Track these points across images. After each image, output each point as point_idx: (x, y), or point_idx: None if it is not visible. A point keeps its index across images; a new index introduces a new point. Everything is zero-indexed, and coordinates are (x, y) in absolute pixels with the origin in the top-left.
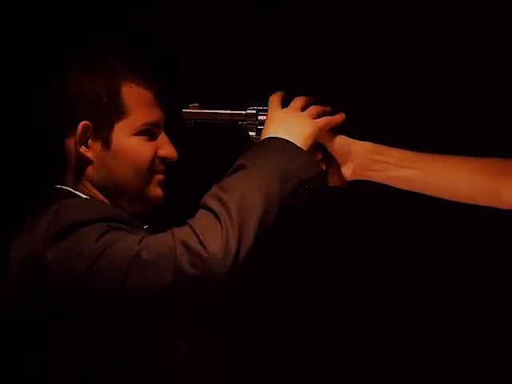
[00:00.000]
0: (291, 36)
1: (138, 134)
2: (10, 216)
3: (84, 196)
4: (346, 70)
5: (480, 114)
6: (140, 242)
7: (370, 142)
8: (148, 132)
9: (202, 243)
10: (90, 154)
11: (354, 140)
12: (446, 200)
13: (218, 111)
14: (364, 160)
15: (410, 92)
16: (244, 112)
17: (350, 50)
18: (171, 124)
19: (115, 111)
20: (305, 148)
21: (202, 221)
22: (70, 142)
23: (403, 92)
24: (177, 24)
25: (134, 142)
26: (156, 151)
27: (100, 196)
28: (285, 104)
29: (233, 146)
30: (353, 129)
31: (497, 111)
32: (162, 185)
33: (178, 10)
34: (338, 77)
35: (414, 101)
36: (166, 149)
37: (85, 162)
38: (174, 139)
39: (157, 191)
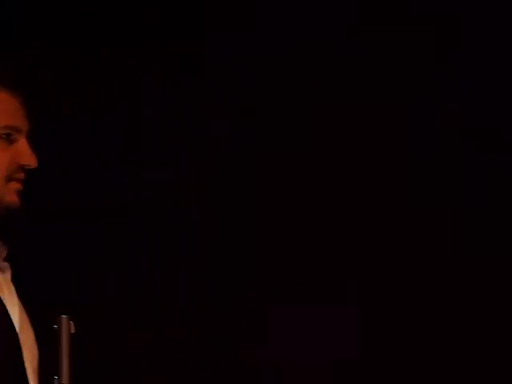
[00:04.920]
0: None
1: None
2: None
3: None
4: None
5: None
6: None
7: None
8: (7, 136)
9: None
10: None
11: None
12: None
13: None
14: None
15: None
16: None
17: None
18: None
19: None
20: None
21: None
22: None
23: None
24: None
25: None
26: (14, 157)
27: None
28: None
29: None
30: None
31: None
32: (18, 193)
33: None
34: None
35: None
36: (26, 156)
37: None
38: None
39: (12, 197)
